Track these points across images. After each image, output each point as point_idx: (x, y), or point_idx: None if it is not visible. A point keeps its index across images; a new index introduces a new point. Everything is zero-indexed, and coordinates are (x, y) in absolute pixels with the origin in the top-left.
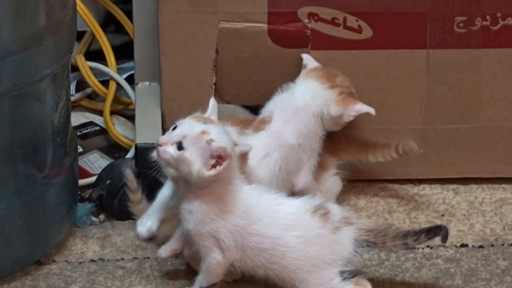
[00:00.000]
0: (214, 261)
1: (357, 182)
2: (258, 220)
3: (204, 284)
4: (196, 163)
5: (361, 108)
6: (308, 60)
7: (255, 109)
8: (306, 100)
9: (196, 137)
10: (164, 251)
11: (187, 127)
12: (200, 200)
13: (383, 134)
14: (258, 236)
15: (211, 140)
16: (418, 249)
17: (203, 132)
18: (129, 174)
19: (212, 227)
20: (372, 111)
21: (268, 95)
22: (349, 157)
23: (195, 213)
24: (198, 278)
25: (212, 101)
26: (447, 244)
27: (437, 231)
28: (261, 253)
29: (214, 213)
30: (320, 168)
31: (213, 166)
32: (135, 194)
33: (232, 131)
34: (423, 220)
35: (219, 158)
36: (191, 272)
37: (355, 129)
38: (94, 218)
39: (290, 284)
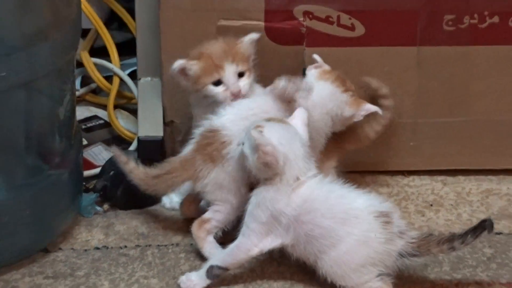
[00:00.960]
0: (246, 246)
1: (350, 174)
2: (314, 210)
3: (219, 263)
4: (249, 157)
5: (370, 108)
6: (320, 61)
7: None
8: (323, 99)
9: (250, 132)
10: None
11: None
12: (263, 187)
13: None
14: (310, 225)
15: (261, 131)
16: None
17: (257, 126)
18: (115, 150)
19: (266, 214)
20: (379, 110)
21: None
22: (352, 146)
23: (256, 197)
24: (216, 255)
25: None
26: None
27: (483, 225)
28: (312, 241)
29: (271, 201)
30: (324, 159)
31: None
32: (128, 164)
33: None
34: (412, 210)
35: (264, 153)
36: (191, 259)
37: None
38: (98, 208)
39: (333, 277)
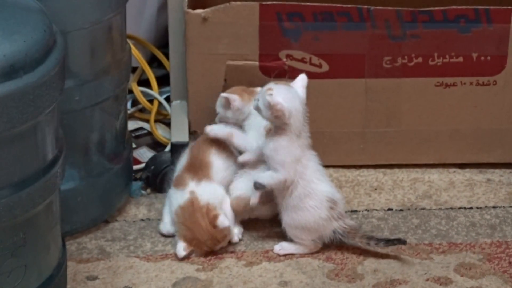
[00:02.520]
0: (278, 177)
1: None
2: (306, 176)
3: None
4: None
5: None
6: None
7: None
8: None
9: (263, 92)
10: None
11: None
12: (278, 136)
13: (335, 135)
14: (299, 184)
15: (271, 94)
16: (359, 211)
17: (268, 89)
18: None
19: (282, 157)
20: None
21: None
22: None
23: (273, 143)
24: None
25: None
26: (378, 208)
27: (395, 242)
28: (292, 195)
29: (286, 148)
30: None
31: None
32: None
33: None
34: (362, 192)
35: (275, 110)
36: None
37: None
38: (143, 192)
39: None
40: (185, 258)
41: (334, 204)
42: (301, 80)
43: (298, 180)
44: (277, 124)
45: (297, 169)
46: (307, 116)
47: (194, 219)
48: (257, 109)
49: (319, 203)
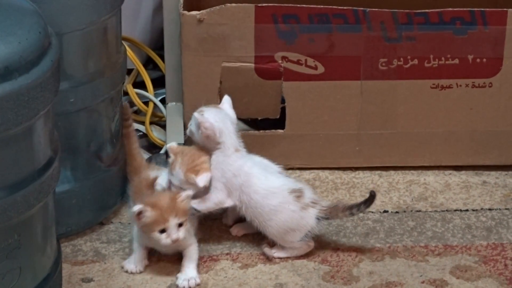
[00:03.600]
0: (214, 200)
1: (313, 169)
2: (250, 185)
3: (196, 206)
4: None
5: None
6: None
7: (245, 120)
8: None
9: (194, 115)
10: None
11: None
12: (215, 154)
13: (331, 137)
14: (248, 196)
15: (202, 115)
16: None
17: (199, 111)
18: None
19: (221, 173)
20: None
21: (254, 111)
22: None
23: (212, 161)
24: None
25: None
26: (374, 210)
27: (370, 198)
28: (250, 209)
29: (222, 163)
30: None
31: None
32: (128, 121)
33: None
34: (358, 194)
35: (204, 128)
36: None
37: (308, 134)
38: None
39: (270, 236)
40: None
41: (299, 193)
42: (227, 101)
43: (247, 191)
44: (211, 145)
45: (238, 182)
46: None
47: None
48: (190, 132)
49: (282, 198)
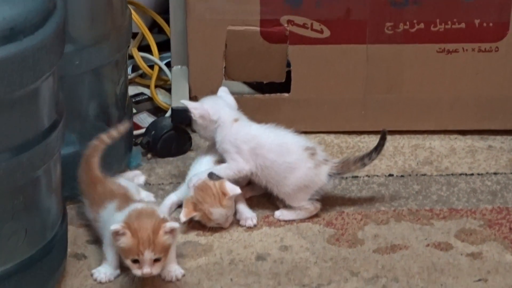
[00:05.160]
0: (233, 168)
1: (319, 133)
2: (262, 145)
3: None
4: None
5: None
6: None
7: (251, 84)
8: None
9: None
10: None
11: None
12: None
13: (336, 101)
14: (262, 157)
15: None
16: (359, 177)
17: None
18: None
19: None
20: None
21: (260, 75)
22: None
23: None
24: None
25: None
26: (379, 174)
27: (381, 142)
28: (265, 170)
29: (226, 136)
30: None
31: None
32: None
33: None
34: None
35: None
36: None
37: (314, 99)
38: (141, 163)
39: (282, 197)
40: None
41: (313, 151)
42: (223, 90)
43: (261, 153)
44: (211, 127)
45: (250, 148)
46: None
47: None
48: (196, 127)
49: (297, 155)
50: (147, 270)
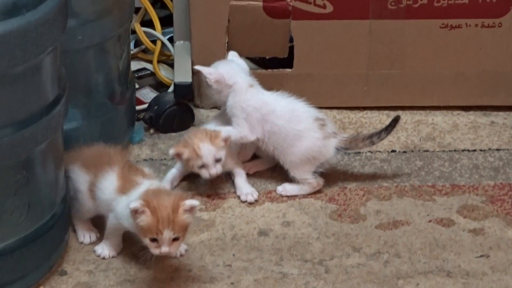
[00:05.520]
0: (239, 133)
1: (321, 109)
2: (272, 111)
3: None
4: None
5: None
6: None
7: (253, 59)
8: None
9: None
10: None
11: None
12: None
13: (339, 77)
14: (271, 123)
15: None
16: (362, 153)
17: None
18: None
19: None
20: None
21: (262, 50)
22: None
23: (229, 102)
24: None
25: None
26: (381, 150)
27: (392, 123)
28: (272, 137)
29: (240, 101)
30: None
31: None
32: None
33: None
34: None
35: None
36: None
37: (316, 74)
38: (144, 138)
39: (287, 167)
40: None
41: (323, 122)
42: (233, 54)
43: (270, 119)
44: (225, 91)
45: (260, 114)
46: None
47: None
48: (210, 93)
49: (307, 123)
50: (165, 249)
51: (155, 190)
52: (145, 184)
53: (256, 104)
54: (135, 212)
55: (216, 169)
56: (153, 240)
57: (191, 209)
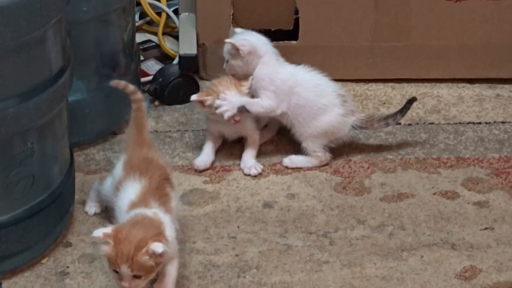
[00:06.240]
0: (260, 104)
1: None
2: (300, 84)
3: (243, 105)
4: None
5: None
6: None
7: (259, 31)
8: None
9: (227, 51)
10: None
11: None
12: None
13: (344, 49)
14: (297, 96)
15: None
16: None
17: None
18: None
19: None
20: None
21: (268, 22)
22: None
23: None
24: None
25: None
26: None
27: (407, 106)
28: (297, 109)
29: (270, 74)
30: None
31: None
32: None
33: None
34: (371, 106)
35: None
36: None
37: (322, 46)
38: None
39: (301, 137)
40: None
41: (345, 99)
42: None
43: (298, 91)
44: (254, 63)
45: (288, 86)
46: None
47: None
48: (231, 67)
49: (331, 98)
50: (124, 284)
51: (139, 219)
52: (135, 211)
53: (284, 76)
54: (99, 240)
55: (230, 113)
56: (115, 271)
57: (153, 254)
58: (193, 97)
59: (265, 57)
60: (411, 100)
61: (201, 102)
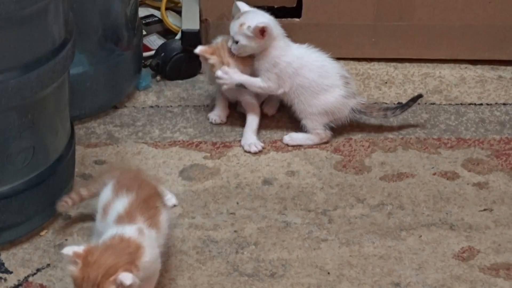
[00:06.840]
0: (260, 83)
1: None
2: (304, 65)
3: (240, 81)
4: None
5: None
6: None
7: (262, 8)
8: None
9: (238, 30)
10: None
11: (232, 27)
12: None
13: (347, 27)
14: (301, 77)
15: (248, 26)
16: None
17: (241, 24)
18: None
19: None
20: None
21: (270, 0)
22: None
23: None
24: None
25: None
26: (388, 102)
27: (409, 103)
28: (299, 89)
29: (278, 56)
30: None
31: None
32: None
33: None
34: (373, 86)
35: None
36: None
37: (324, 25)
38: (150, 84)
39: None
40: None
41: (348, 80)
42: (240, 4)
43: (301, 72)
44: (265, 44)
45: (293, 68)
46: None
47: None
48: (241, 47)
49: (334, 80)
50: None
51: (115, 242)
52: (118, 227)
53: (290, 59)
54: (67, 258)
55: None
56: None
57: (121, 285)
58: (198, 50)
59: (276, 39)
60: (415, 98)
61: (204, 57)
